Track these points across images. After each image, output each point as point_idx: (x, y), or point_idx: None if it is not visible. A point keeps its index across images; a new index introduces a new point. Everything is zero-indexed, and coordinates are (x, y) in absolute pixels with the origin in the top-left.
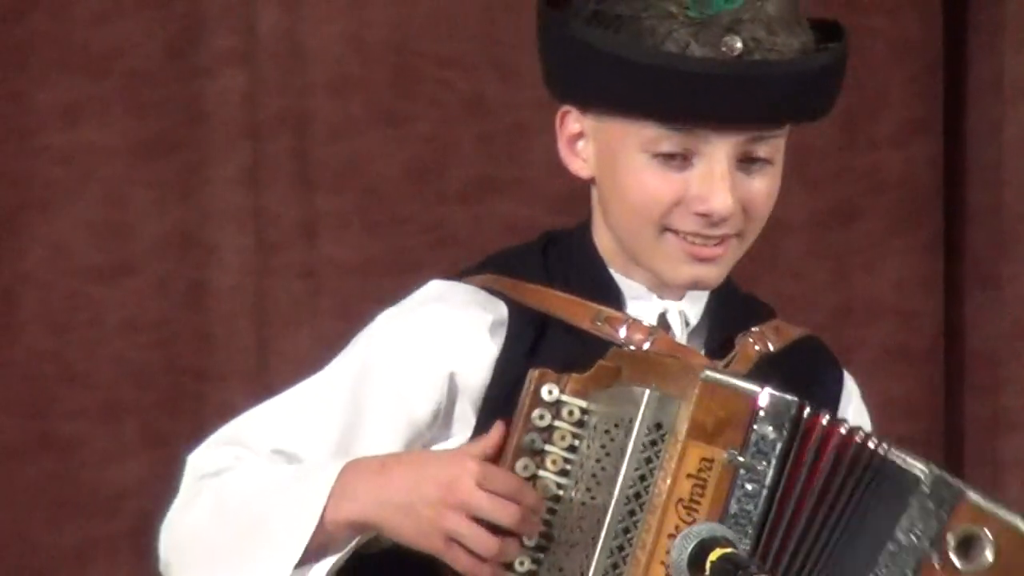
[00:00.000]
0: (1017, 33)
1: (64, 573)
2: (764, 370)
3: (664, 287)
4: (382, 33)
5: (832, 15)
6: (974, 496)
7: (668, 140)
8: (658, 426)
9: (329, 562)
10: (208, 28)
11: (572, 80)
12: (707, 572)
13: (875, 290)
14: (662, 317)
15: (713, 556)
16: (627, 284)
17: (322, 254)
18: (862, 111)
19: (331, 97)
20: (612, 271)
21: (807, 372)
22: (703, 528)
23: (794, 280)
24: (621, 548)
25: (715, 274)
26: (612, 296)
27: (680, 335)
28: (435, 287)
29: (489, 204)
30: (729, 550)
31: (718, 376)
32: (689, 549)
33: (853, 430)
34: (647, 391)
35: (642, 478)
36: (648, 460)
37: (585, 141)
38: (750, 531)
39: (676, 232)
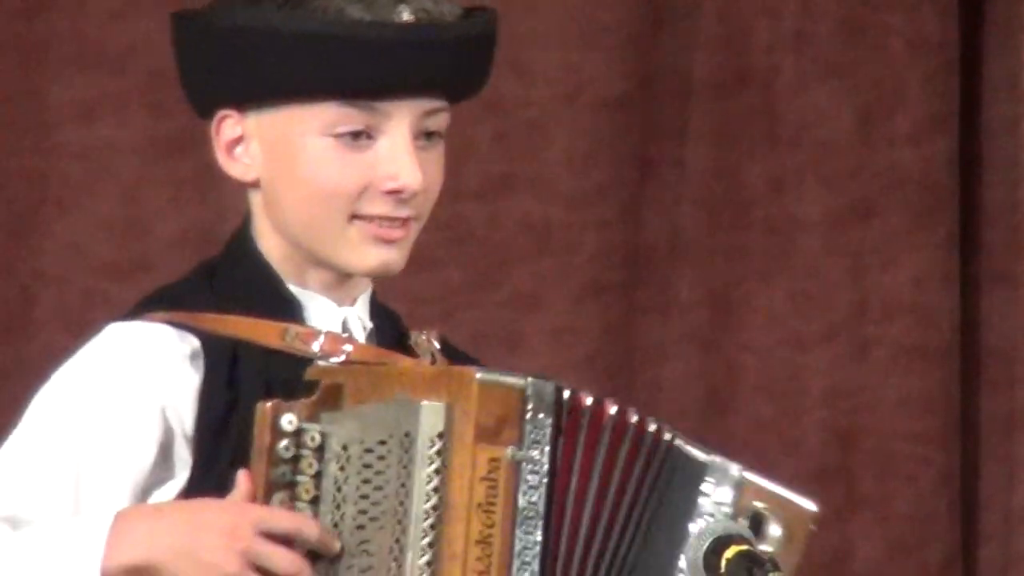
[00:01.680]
0: None
1: None
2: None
3: (341, 288)
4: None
5: (848, 11)
6: (752, 476)
7: (349, 118)
8: (440, 435)
9: None
10: None
11: (228, 79)
12: (723, 570)
13: (891, 287)
14: (344, 324)
15: (728, 553)
16: (302, 293)
17: None
18: (879, 108)
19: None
20: (288, 283)
21: (458, 363)
22: (718, 526)
23: (810, 278)
24: (430, 563)
25: (399, 257)
26: (292, 310)
27: (362, 340)
28: (118, 329)
29: (505, 202)
30: (745, 547)
31: (490, 376)
32: (704, 547)
33: (625, 411)
34: (421, 404)
35: (435, 489)
36: (437, 471)
37: (245, 144)
38: (539, 522)
39: (363, 218)
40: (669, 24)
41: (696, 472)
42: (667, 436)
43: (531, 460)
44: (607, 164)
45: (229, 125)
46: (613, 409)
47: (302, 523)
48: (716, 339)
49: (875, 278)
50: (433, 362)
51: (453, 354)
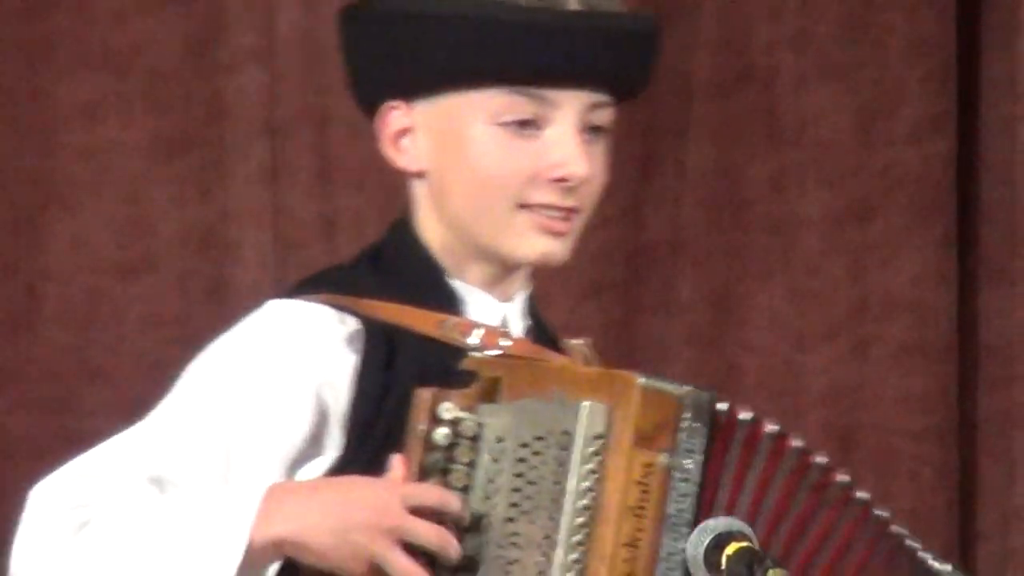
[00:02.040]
0: None
1: None
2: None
3: (501, 285)
4: None
5: (848, 11)
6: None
7: (518, 106)
8: (598, 437)
9: None
10: (229, 26)
11: (397, 68)
12: (723, 566)
13: (891, 286)
14: (504, 321)
15: (729, 550)
16: (463, 287)
17: (341, 251)
18: (878, 108)
19: (350, 95)
20: (446, 274)
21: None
22: (720, 522)
23: (810, 276)
24: (578, 561)
25: (562, 249)
26: (451, 301)
27: (521, 334)
28: (278, 306)
29: None
30: (745, 544)
31: (652, 382)
32: (706, 543)
33: (787, 434)
34: (582, 405)
35: (590, 489)
36: (593, 471)
37: (412, 135)
38: (687, 531)
39: (530, 207)
40: (669, 24)
41: (910, 557)
42: (880, 513)
43: (683, 469)
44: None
45: (396, 116)
46: (770, 428)
47: (448, 497)
48: (716, 338)
49: (874, 277)
50: (586, 363)
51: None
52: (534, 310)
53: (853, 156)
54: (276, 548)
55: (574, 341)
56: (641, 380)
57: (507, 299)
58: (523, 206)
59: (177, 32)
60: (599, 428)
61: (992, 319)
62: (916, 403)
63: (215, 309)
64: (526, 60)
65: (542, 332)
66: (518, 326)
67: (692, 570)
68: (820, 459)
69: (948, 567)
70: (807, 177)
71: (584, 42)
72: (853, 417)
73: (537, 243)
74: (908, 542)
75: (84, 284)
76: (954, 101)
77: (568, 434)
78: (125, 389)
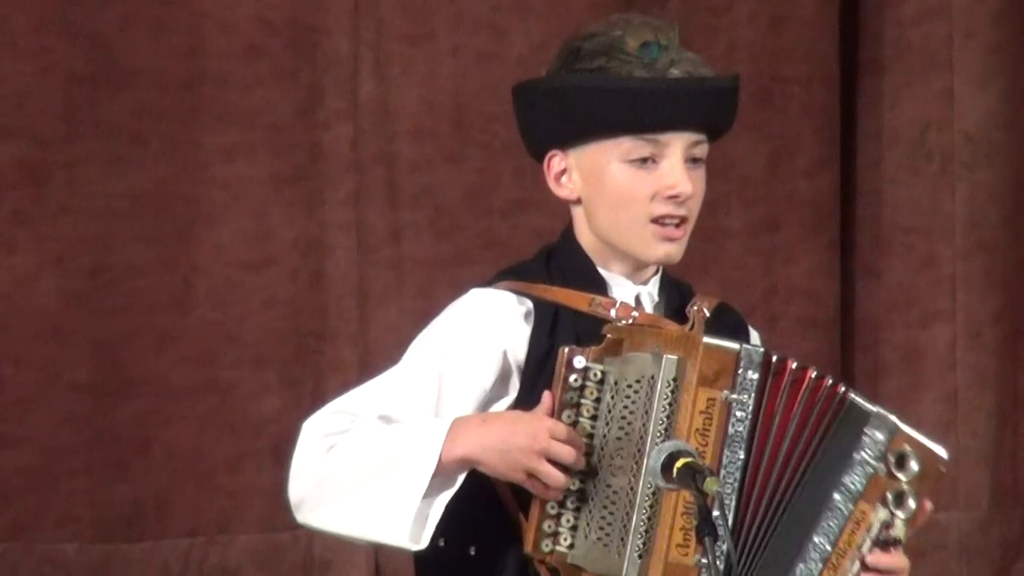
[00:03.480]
0: (891, 99)
1: (222, 474)
2: (709, 326)
3: (636, 274)
4: (447, 97)
5: (761, 83)
6: (904, 426)
7: (640, 148)
8: (674, 379)
9: (448, 494)
10: (325, 94)
11: (560, 128)
12: (674, 475)
13: (792, 278)
14: (637, 298)
15: (679, 464)
16: (609, 275)
17: (404, 253)
18: (783, 152)
19: (411, 142)
20: (597, 267)
21: (730, 325)
22: (670, 444)
23: (735, 270)
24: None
25: (677, 250)
26: (600, 286)
27: (650, 310)
28: (478, 292)
29: (522, 218)
30: (690, 460)
31: (712, 340)
32: (662, 459)
33: (823, 375)
34: (664, 356)
35: (668, 416)
36: (670, 404)
37: (568, 174)
38: (742, 448)
39: (656, 222)
40: None
41: (862, 418)
42: (842, 389)
43: (740, 402)
44: None
45: (556, 161)
46: (814, 373)
47: (573, 435)
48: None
49: (779, 272)
50: (692, 327)
51: (722, 317)
52: (670, 285)
53: (764, 186)
54: (460, 463)
55: (694, 306)
56: (705, 339)
57: (643, 282)
58: (651, 220)
59: (289, 98)
60: (673, 373)
61: (864, 301)
62: (810, 362)
63: (315, 293)
64: (644, 115)
65: (675, 302)
66: (650, 302)
67: (652, 478)
68: (832, 382)
69: (875, 406)
70: (732, 201)
71: (683, 99)
72: None
73: (661, 248)
74: (845, 391)
75: (223, 276)
76: (837, 148)
77: (654, 378)
78: (252, 349)
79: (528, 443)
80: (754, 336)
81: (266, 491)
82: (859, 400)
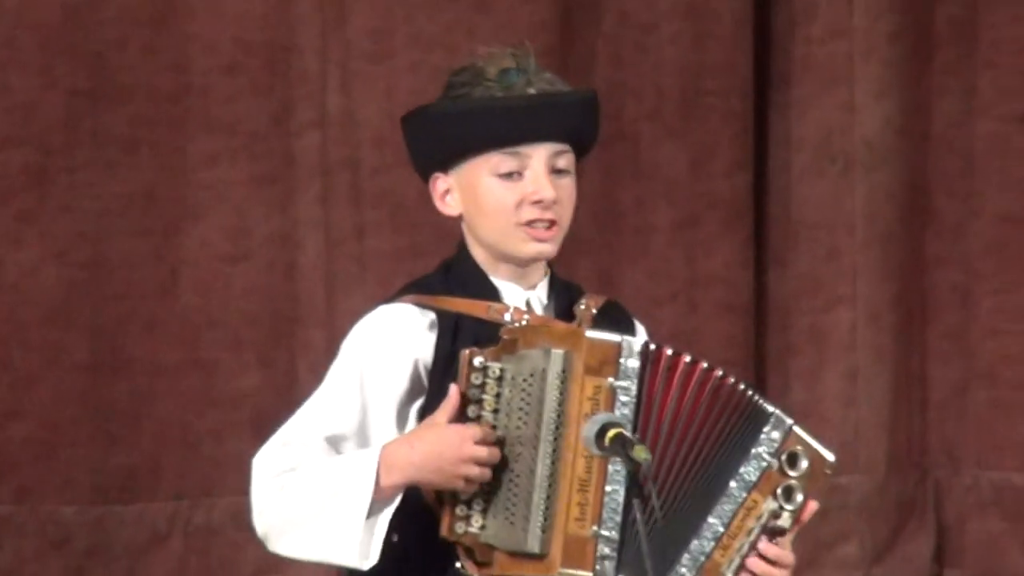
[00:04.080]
0: (799, 109)
1: (206, 444)
2: (596, 322)
3: (523, 279)
4: (405, 108)
5: (684, 96)
6: (798, 429)
7: (506, 162)
8: (563, 371)
9: (388, 512)
10: (297, 106)
11: (437, 151)
12: (607, 443)
13: (711, 268)
14: (528, 303)
15: (610, 434)
16: (500, 283)
17: (367, 247)
18: (703, 156)
19: (372, 149)
20: (490, 277)
21: (617, 320)
22: (602, 416)
23: (661, 262)
24: (554, 451)
25: (549, 249)
26: (493, 293)
27: (540, 311)
28: (385, 308)
29: None
30: (620, 430)
31: (595, 334)
32: (595, 429)
33: (698, 360)
34: (552, 351)
35: (559, 404)
36: (560, 393)
37: (452, 193)
38: (628, 428)
39: (523, 225)
40: None
41: (762, 418)
42: (742, 387)
43: (623, 388)
44: None
45: (440, 183)
46: (688, 358)
47: (487, 433)
48: None
49: (700, 263)
50: (579, 325)
51: (609, 313)
52: (560, 287)
53: (687, 186)
54: (398, 487)
55: (581, 304)
56: (588, 334)
57: (531, 287)
58: (519, 224)
59: (264, 110)
60: (561, 366)
61: (775, 288)
62: (728, 342)
63: (288, 284)
64: (504, 131)
65: (563, 303)
66: (539, 305)
67: (587, 446)
68: (718, 371)
69: (774, 409)
70: (658, 200)
71: (538, 113)
72: (689, 351)
73: (532, 247)
74: (750, 394)
75: (206, 267)
76: (751, 152)
77: (544, 371)
78: (232, 332)
79: (455, 454)
80: (640, 330)
81: (245, 459)
82: (760, 401)
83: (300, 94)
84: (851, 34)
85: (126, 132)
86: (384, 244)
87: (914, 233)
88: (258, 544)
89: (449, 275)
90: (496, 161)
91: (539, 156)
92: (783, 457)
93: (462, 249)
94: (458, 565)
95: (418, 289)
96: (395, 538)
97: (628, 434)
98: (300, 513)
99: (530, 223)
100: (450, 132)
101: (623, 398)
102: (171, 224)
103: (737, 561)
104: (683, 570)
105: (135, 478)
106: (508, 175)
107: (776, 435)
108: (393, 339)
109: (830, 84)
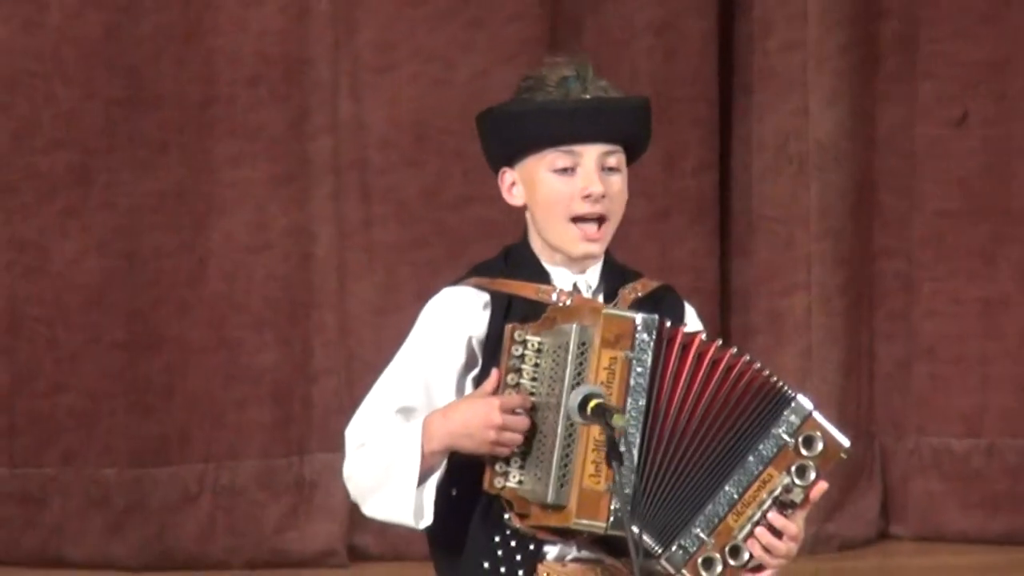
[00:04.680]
0: (759, 114)
1: (230, 413)
2: (639, 306)
3: (573, 265)
4: (408, 115)
5: (657, 102)
6: (816, 414)
7: (561, 158)
8: (583, 343)
9: (435, 478)
10: (311, 113)
11: (503, 147)
12: (588, 412)
13: (681, 256)
14: (575, 285)
15: (592, 404)
16: (552, 268)
17: (374, 239)
18: (674, 156)
19: (379, 151)
20: (543, 263)
21: (663, 305)
22: (584, 388)
23: (637, 251)
24: (570, 415)
25: (597, 248)
26: (545, 277)
27: (587, 294)
28: (448, 291)
29: (468, 211)
30: (601, 400)
31: (612, 310)
32: (578, 400)
33: (713, 341)
34: (573, 326)
35: (579, 374)
36: (580, 363)
37: (517, 186)
38: (642, 397)
39: (575, 221)
40: None
41: (785, 401)
42: (766, 372)
43: (639, 359)
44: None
45: (507, 177)
46: (703, 336)
47: (521, 399)
48: None
49: (672, 252)
50: (615, 305)
51: (662, 297)
52: (614, 272)
53: (660, 184)
54: (439, 454)
55: (626, 288)
56: (605, 311)
57: (580, 272)
58: (572, 219)
59: (283, 116)
60: (581, 339)
61: (738, 275)
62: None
63: (304, 272)
64: (559, 131)
65: (610, 288)
66: (587, 288)
67: (571, 415)
68: (733, 350)
69: (796, 394)
70: (634, 195)
71: (591, 116)
72: None
73: (581, 246)
74: (775, 379)
75: (231, 257)
76: (717, 153)
77: (569, 343)
78: (254, 314)
79: (483, 422)
80: (691, 314)
81: (265, 426)
82: (783, 385)
83: (314, 102)
84: (805, 47)
85: (158, 136)
86: (389, 236)
87: (862, 226)
88: (278, 502)
89: (508, 259)
90: (552, 158)
91: (591, 155)
92: (800, 438)
93: (522, 238)
94: (506, 516)
95: (480, 272)
96: (454, 492)
97: (608, 403)
98: (369, 483)
99: (581, 218)
100: (514, 131)
101: (638, 369)
102: (199, 219)
103: (748, 528)
104: (697, 530)
105: (167, 444)
106: (563, 170)
107: (795, 418)
108: (450, 319)
109: (787, 92)
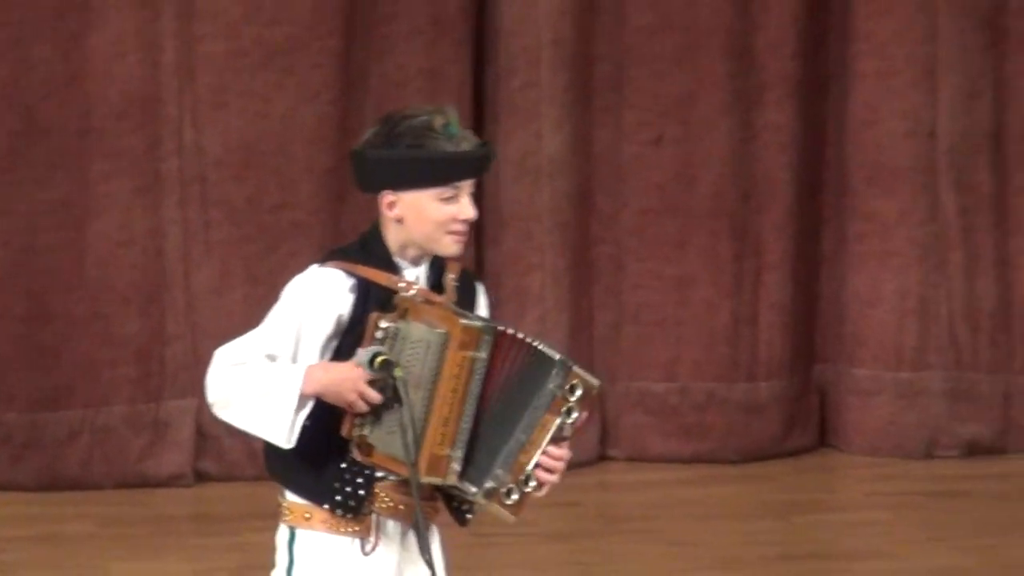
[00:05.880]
0: (505, 137)
1: (105, 370)
2: (459, 292)
3: (416, 260)
4: (237, 141)
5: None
6: (575, 367)
7: (448, 191)
8: (443, 345)
9: (306, 410)
10: (163, 140)
11: (394, 179)
12: (376, 366)
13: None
14: (416, 277)
15: (379, 360)
16: (400, 261)
17: (212, 237)
18: None
19: (215, 169)
20: (394, 257)
21: (468, 286)
22: (374, 347)
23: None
24: (431, 399)
25: (462, 248)
26: (394, 269)
27: (423, 284)
28: (317, 269)
29: (283, 214)
30: (386, 357)
31: (467, 321)
32: (368, 357)
33: (523, 336)
34: (438, 331)
35: (438, 368)
36: (438, 360)
37: (397, 205)
38: (479, 385)
39: (450, 233)
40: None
41: (552, 363)
42: (539, 346)
43: (480, 359)
44: None
45: (389, 197)
46: (510, 331)
47: (373, 375)
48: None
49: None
50: (446, 295)
51: (463, 279)
52: (437, 264)
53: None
54: (312, 395)
55: (448, 276)
56: (463, 321)
57: (418, 266)
58: (448, 232)
59: (142, 143)
60: (440, 342)
61: (490, 261)
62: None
63: (159, 262)
64: (452, 174)
65: (434, 276)
66: (425, 280)
67: (362, 367)
68: (528, 339)
69: (559, 356)
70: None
71: (471, 161)
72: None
73: (455, 249)
74: (543, 349)
75: (104, 251)
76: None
77: (431, 343)
78: (122, 294)
79: (351, 387)
80: (481, 290)
81: (130, 380)
82: (550, 353)
83: (165, 132)
84: (539, 86)
85: (48, 159)
86: (223, 234)
87: (582, 221)
88: (140, 438)
89: (363, 249)
90: (441, 191)
91: (467, 187)
92: (566, 388)
93: (375, 232)
94: (352, 452)
95: (342, 256)
96: (308, 423)
97: (391, 359)
98: (244, 395)
99: (455, 232)
100: (414, 172)
101: (478, 367)
102: (79, 221)
103: (535, 459)
104: (498, 470)
105: (57, 394)
106: (447, 199)
107: (560, 374)
108: (324, 293)
109: (525, 120)
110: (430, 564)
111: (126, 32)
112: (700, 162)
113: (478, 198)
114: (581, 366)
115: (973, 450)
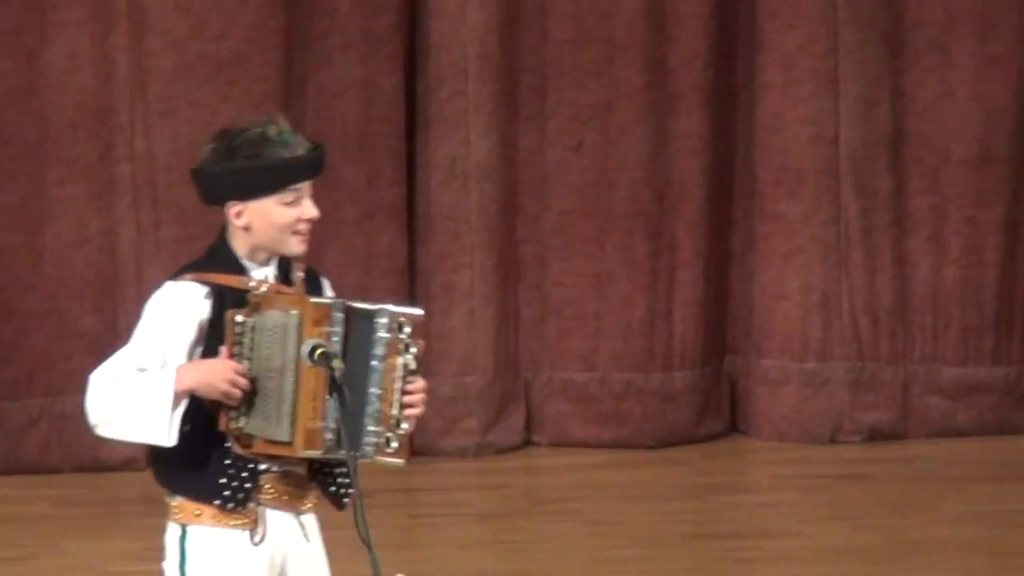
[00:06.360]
0: (435, 144)
1: (60, 363)
2: (306, 284)
3: (263, 261)
4: (186, 147)
5: (358, 136)
6: (394, 308)
7: (289, 195)
8: (299, 324)
9: (182, 408)
10: (116, 146)
11: (238, 191)
12: (315, 357)
13: (381, 247)
14: (266, 276)
15: (318, 352)
16: (248, 264)
17: (161, 236)
18: (374, 175)
19: (165, 174)
20: (242, 260)
21: (314, 280)
22: (314, 341)
23: (348, 244)
24: (296, 376)
25: (306, 247)
26: (242, 271)
27: (272, 281)
28: (175, 284)
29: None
30: (324, 349)
31: (317, 299)
32: (308, 349)
33: (358, 303)
34: (290, 311)
35: (297, 345)
36: (296, 339)
37: (243, 214)
38: (337, 358)
39: (295, 234)
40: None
41: (372, 314)
42: (364, 305)
43: (334, 333)
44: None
45: (235, 207)
46: (362, 305)
47: (240, 369)
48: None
49: (374, 244)
50: (297, 288)
51: (309, 275)
52: (284, 264)
53: (365, 194)
54: (185, 392)
55: (298, 274)
56: (312, 300)
57: (266, 266)
58: (294, 233)
59: (96, 149)
60: (295, 322)
61: (421, 259)
62: (390, 294)
63: (113, 259)
64: (291, 178)
65: (282, 275)
66: (273, 278)
67: (304, 360)
68: (360, 304)
69: (379, 306)
70: (346, 203)
71: (308, 164)
72: (365, 300)
73: (300, 248)
74: (367, 307)
75: (60, 251)
76: (405, 172)
77: (286, 326)
78: (77, 291)
79: (220, 377)
80: (326, 284)
81: (86, 370)
82: (372, 307)
83: (118, 139)
84: (466, 96)
85: (8, 165)
86: (172, 234)
87: (508, 222)
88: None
89: (212, 259)
90: (283, 196)
91: (307, 189)
92: (396, 329)
93: (222, 241)
94: (228, 446)
95: (193, 269)
96: (187, 428)
97: (330, 351)
98: (120, 409)
99: (300, 232)
100: (256, 180)
101: (335, 339)
102: (38, 223)
103: (398, 405)
104: (370, 429)
105: (17, 384)
106: (290, 203)
107: (385, 320)
108: (182, 305)
109: (454, 128)
110: (366, 541)
111: (81, 47)
112: (618, 167)
113: (411, 201)
114: (397, 303)
115: (874, 435)
